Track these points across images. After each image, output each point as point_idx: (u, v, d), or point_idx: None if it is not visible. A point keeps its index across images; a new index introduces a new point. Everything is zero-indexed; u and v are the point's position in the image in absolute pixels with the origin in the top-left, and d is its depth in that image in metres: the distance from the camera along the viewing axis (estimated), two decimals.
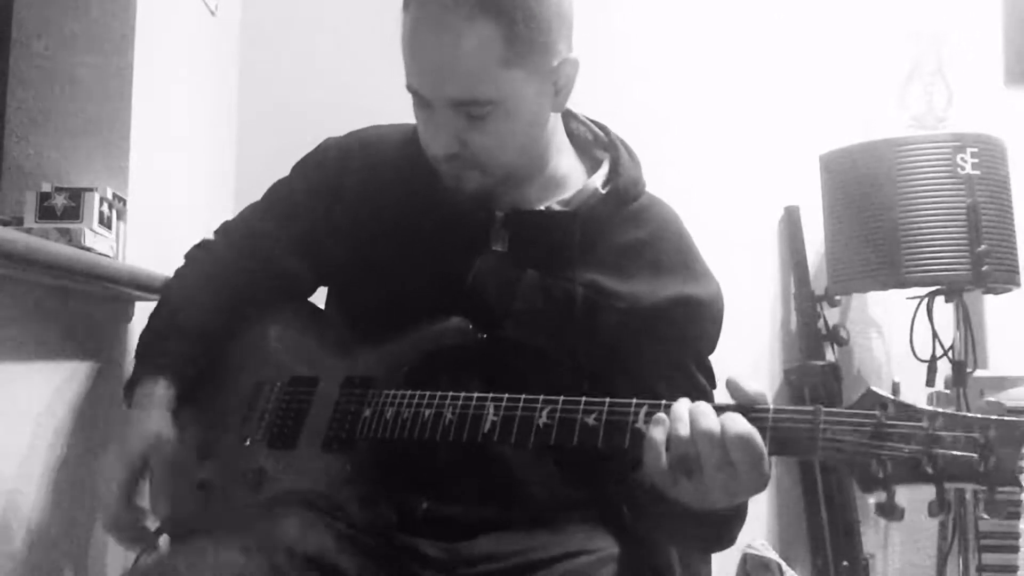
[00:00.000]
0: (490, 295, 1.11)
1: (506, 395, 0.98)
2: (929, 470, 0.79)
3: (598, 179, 1.17)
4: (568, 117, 1.23)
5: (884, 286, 2.16)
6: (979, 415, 0.80)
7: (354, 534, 1.08)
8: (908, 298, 2.21)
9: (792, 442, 0.85)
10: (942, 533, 2.27)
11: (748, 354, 2.35)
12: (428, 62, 1.04)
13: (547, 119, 1.12)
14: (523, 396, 0.97)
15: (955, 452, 0.78)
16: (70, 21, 1.58)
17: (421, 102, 1.08)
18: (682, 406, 0.89)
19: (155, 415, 1.15)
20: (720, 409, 0.88)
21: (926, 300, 2.17)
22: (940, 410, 0.81)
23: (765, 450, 0.85)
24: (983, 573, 2.18)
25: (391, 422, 1.04)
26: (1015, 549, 2.21)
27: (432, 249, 1.14)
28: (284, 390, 1.16)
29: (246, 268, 1.27)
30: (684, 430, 0.87)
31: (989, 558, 2.19)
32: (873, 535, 2.40)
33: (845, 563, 2.26)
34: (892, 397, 0.83)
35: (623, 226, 1.16)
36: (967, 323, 2.18)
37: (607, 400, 0.94)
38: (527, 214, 1.14)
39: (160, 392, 1.17)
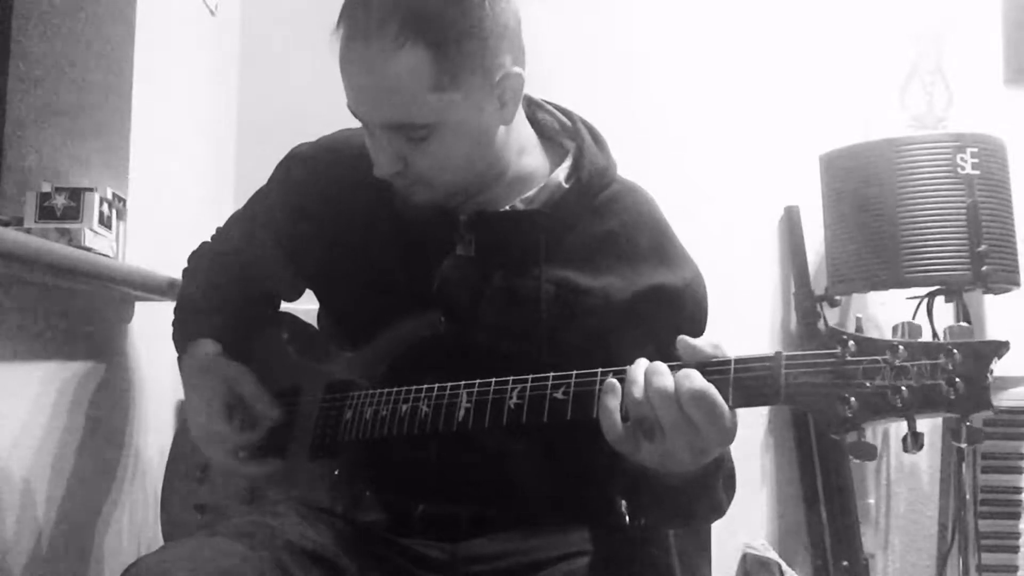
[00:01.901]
0: (457, 301, 1.09)
1: (478, 381, 0.98)
2: (897, 403, 0.76)
3: (561, 173, 1.14)
4: (535, 107, 1.20)
5: (884, 286, 2.16)
6: (942, 341, 0.76)
7: (354, 533, 1.08)
8: (908, 298, 2.21)
9: (756, 392, 0.82)
10: (942, 533, 2.27)
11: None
12: (359, 88, 1.03)
13: (494, 133, 1.08)
14: (494, 380, 0.97)
15: (921, 382, 0.75)
16: (70, 21, 1.58)
17: (362, 122, 1.07)
18: (637, 368, 0.87)
19: (216, 356, 1.20)
20: (677, 367, 0.85)
21: (926, 300, 2.17)
22: (902, 340, 0.77)
23: (724, 405, 0.82)
24: (983, 573, 2.18)
25: (371, 422, 1.04)
26: (1015, 549, 2.21)
27: (399, 255, 1.13)
28: None
29: (230, 278, 1.30)
30: (638, 392, 0.85)
31: (989, 558, 2.19)
32: (873, 535, 2.40)
33: (845, 563, 2.26)
34: (853, 333, 0.80)
35: (593, 218, 1.13)
36: (967, 323, 2.17)
37: (574, 372, 0.93)
38: (490, 215, 1.12)
39: (210, 345, 1.22)
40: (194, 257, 1.38)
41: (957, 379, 0.74)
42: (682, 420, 0.83)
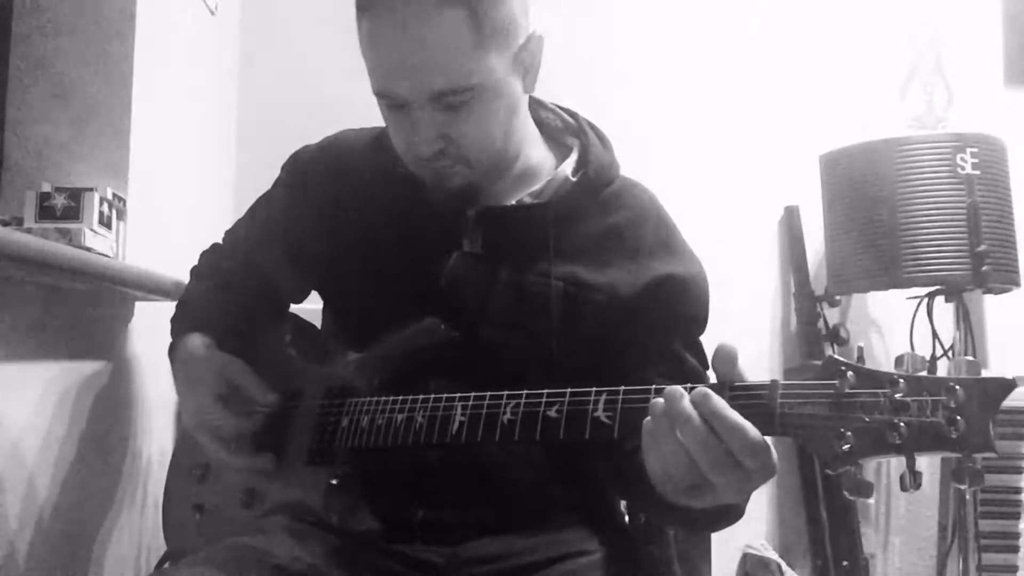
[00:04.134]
0: (464, 297, 1.09)
1: (473, 394, 0.96)
2: (895, 440, 0.72)
3: (568, 167, 1.14)
4: (537, 106, 1.21)
5: (884, 286, 2.16)
6: (946, 377, 0.72)
7: (348, 546, 1.07)
8: (908, 298, 2.21)
9: (750, 420, 0.78)
10: (942, 533, 2.27)
11: (748, 354, 2.31)
12: (402, 60, 1.01)
13: (521, 101, 1.09)
14: (489, 394, 0.95)
15: (921, 419, 0.71)
16: (70, 21, 1.58)
17: (394, 104, 1.05)
18: (666, 412, 0.81)
19: (206, 347, 1.19)
20: (688, 388, 0.81)
21: (926, 300, 2.17)
22: (903, 374, 0.74)
23: (761, 439, 0.78)
24: (983, 573, 2.18)
25: (367, 430, 1.03)
26: (1015, 549, 2.21)
27: (406, 253, 1.12)
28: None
29: (237, 282, 1.30)
30: (671, 444, 0.80)
31: (989, 558, 2.19)
32: (873, 535, 2.40)
33: (845, 563, 2.26)
34: (853, 364, 0.76)
35: (598, 213, 1.14)
36: (967, 323, 2.18)
37: (568, 391, 0.90)
38: (498, 210, 1.12)
39: (200, 338, 1.21)
40: (203, 256, 1.38)
41: (959, 417, 0.71)
42: (725, 461, 0.79)
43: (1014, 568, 2.20)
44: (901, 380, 0.73)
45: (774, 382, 0.79)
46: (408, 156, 1.08)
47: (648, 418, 0.82)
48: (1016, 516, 2.21)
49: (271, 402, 1.12)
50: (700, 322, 1.15)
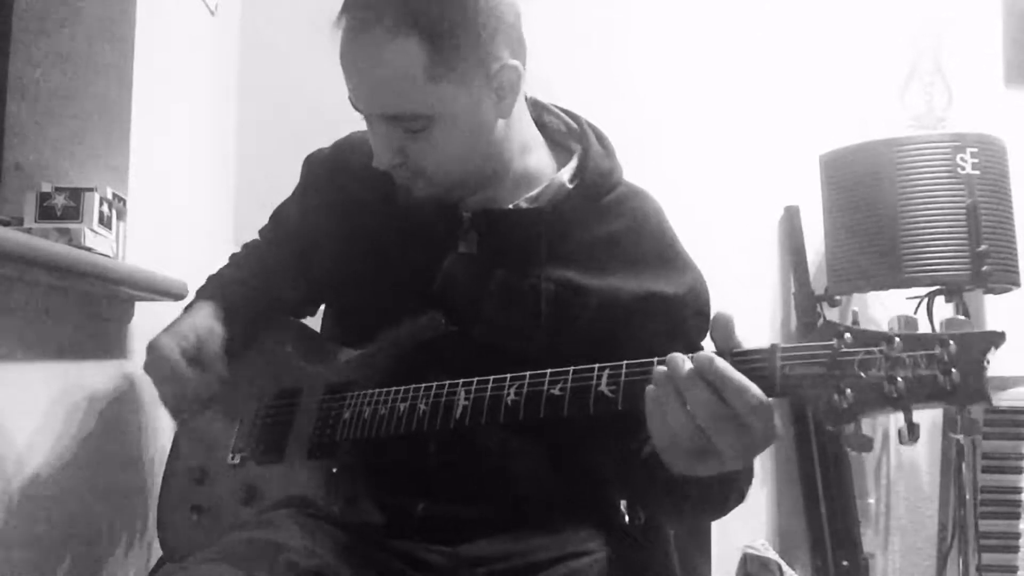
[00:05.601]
0: (458, 298, 1.10)
1: (476, 379, 0.97)
2: (893, 394, 0.75)
3: (566, 173, 1.15)
4: (541, 109, 1.22)
5: (884, 286, 2.16)
6: (938, 332, 0.76)
7: (353, 540, 1.08)
8: (908, 298, 2.21)
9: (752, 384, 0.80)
10: (942, 533, 2.27)
11: None
12: (356, 78, 1.05)
13: (492, 126, 1.09)
14: (492, 377, 0.96)
15: (917, 373, 0.75)
16: (70, 21, 1.58)
17: (362, 114, 1.08)
18: (671, 375, 0.82)
19: (206, 313, 1.24)
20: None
21: (926, 300, 2.17)
22: (898, 332, 0.77)
23: (762, 395, 0.80)
24: (983, 573, 2.18)
25: (369, 421, 1.04)
26: (1015, 549, 2.21)
27: (403, 253, 1.14)
28: (269, 404, 1.16)
29: (255, 288, 1.33)
30: (677, 404, 0.82)
31: (989, 558, 2.19)
32: (873, 535, 2.40)
33: (845, 563, 2.26)
34: (849, 325, 0.80)
35: (597, 220, 1.14)
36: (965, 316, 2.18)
37: (571, 368, 0.92)
38: (493, 213, 1.13)
39: (210, 307, 1.26)
40: (243, 247, 1.42)
41: (953, 369, 0.74)
42: (730, 424, 0.80)
43: (1014, 568, 2.20)
44: (896, 337, 0.77)
45: (773, 346, 0.82)
46: (375, 162, 1.10)
47: (651, 385, 0.83)
48: (1016, 516, 2.21)
49: (222, 377, 1.18)
50: (701, 332, 1.15)
